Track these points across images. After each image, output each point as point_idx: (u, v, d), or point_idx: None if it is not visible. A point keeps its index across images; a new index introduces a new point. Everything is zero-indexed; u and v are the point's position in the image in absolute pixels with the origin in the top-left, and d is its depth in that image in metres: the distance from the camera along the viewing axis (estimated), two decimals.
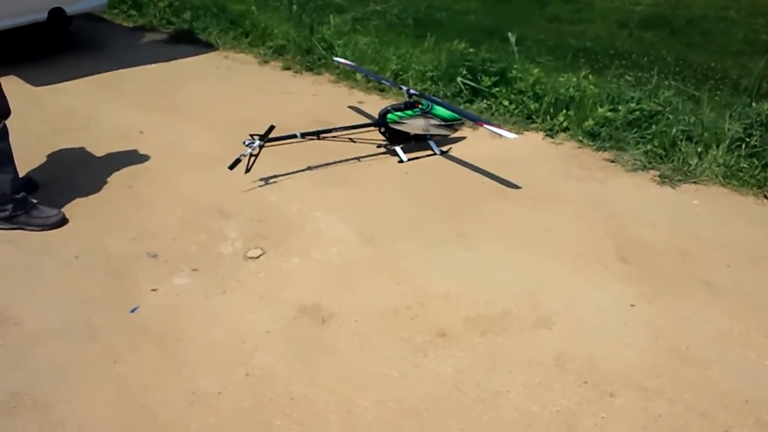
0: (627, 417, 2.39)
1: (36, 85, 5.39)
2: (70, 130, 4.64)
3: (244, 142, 3.82)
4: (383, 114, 4.17)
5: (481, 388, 2.53)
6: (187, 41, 6.47)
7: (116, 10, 7.24)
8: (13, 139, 4.43)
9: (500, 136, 3.84)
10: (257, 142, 3.79)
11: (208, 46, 6.31)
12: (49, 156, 4.29)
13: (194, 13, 6.88)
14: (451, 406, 2.46)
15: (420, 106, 4.19)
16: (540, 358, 2.65)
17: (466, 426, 2.38)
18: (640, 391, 2.49)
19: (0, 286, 3.16)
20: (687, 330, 2.78)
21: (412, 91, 4.30)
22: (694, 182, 3.88)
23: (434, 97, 4.44)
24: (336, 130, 4.13)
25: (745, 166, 3.87)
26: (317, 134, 4.06)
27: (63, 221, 3.62)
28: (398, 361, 2.67)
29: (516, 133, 4.39)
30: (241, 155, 3.79)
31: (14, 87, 5.41)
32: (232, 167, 3.79)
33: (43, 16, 5.66)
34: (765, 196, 3.71)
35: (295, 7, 6.92)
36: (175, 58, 6.00)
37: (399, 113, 4.15)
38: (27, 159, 4.24)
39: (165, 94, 5.24)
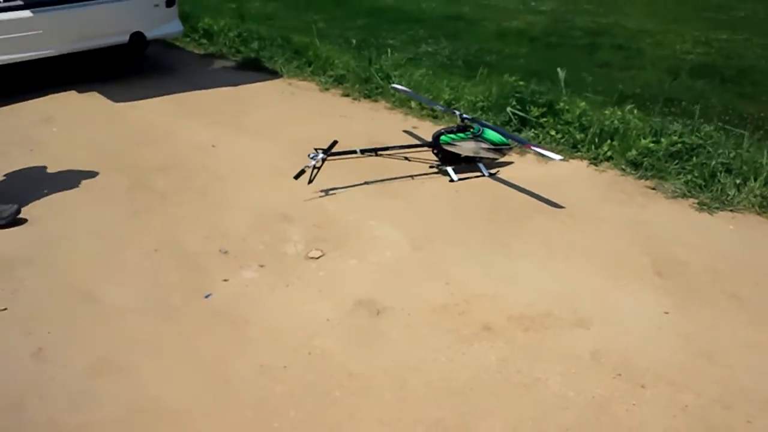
0: (656, 406, 2.61)
1: (116, 101, 5.86)
2: (149, 141, 5.07)
3: (308, 155, 4.17)
4: (437, 136, 4.49)
5: (522, 374, 2.78)
6: (254, 68, 6.92)
7: (188, 39, 7.77)
8: (95, 148, 4.91)
9: (547, 158, 4.12)
10: (321, 155, 4.14)
11: (273, 74, 6.75)
12: (130, 163, 4.70)
13: (261, 42, 7.36)
14: (493, 388, 2.71)
15: (471, 130, 4.50)
16: (577, 352, 2.89)
17: (506, 405, 2.62)
18: (670, 385, 2.70)
19: (84, 271, 3.54)
20: (715, 336, 2.99)
21: (464, 116, 4.61)
22: (731, 210, 4.08)
23: (485, 122, 4.75)
24: (393, 148, 4.46)
25: None
26: (375, 151, 4.40)
27: (17, 212, 3.91)
28: (446, 349, 2.93)
29: (561, 160, 4.66)
30: (305, 166, 4.14)
31: (96, 102, 5.92)
32: (297, 177, 4.13)
33: (124, 39, 6.17)
34: None
35: (354, 41, 7.36)
36: (243, 83, 6.45)
37: (452, 135, 4.46)
38: (111, 164, 4.67)
39: (234, 113, 5.65)
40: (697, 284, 3.37)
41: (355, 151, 4.32)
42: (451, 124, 4.79)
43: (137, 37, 6.21)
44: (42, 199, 4.22)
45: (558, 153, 4.69)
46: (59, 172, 4.55)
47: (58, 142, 5.12)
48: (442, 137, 4.45)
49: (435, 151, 4.54)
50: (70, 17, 5.81)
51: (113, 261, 3.63)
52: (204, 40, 7.80)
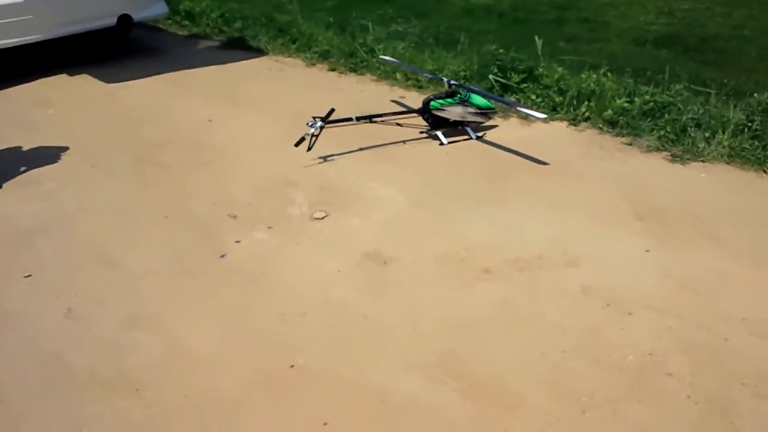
0: (643, 329, 2.91)
1: (108, 82, 6.02)
2: (146, 119, 5.25)
3: (307, 123, 4.40)
4: (426, 102, 4.74)
5: (521, 309, 3.06)
6: (240, 47, 7.10)
7: (170, 21, 7.90)
8: (95, 127, 5.08)
9: (532, 117, 4.41)
10: (319, 123, 4.37)
11: (259, 52, 6.93)
12: (131, 139, 4.89)
13: (244, 22, 7.54)
14: (497, 322, 3.00)
15: (459, 95, 4.76)
16: (569, 288, 3.18)
17: (510, 335, 2.91)
18: (654, 311, 3.00)
19: (101, 239, 3.74)
20: (694, 270, 3.30)
21: (452, 81, 4.87)
22: (702, 161, 4.40)
23: (471, 87, 5.01)
24: (386, 115, 4.72)
25: (747, 147, 4.37)
26: (370, 118, 4.64)
27: None
28: (451, 291, 3.21)
29: (543, 122, 4.95)
30: (305, 134, 4.36)
31: (88, 84, 6.07)
32: (297, 144, 4.36)
33: (112, 21, 6.32)
34: (765, 171, 4.21)
35: (331, 19, 7.56)
36: (230, 61, 6.63)
37: (440, 101, 4.71)
38: (113, 142, 4.85)
39: (226, 89, 5.85)
40: (674, 225, 3.68)
41: (351, 119, 4.56)
42: (439, 91, 5.03)
43: (125, 19, 6.34)
44: (51, 175, 4.40)
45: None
46: (63, 150, 4.72)
47: (56, 123, 5.27)
48: (432, 103, 4.70)
49: (425, 117, 4.80)
50: (61, 2, 5.93)
51: (128, 229, 3.84)
52: (186, 22, 7.94)
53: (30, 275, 3.42)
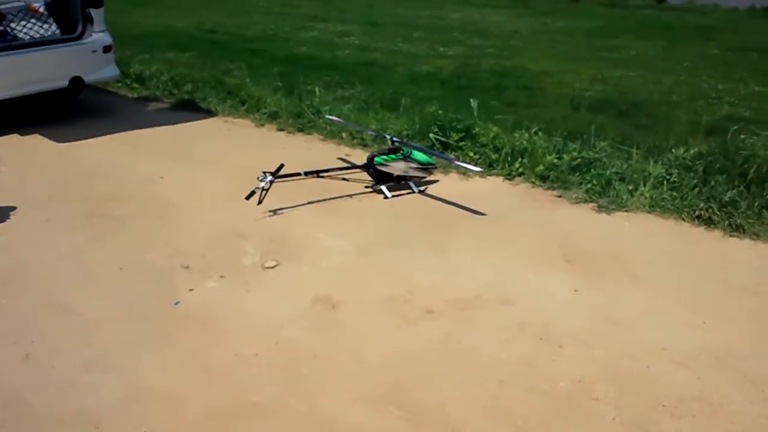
0: (573, 360, 3.17)
1: (60, 141, 6.15)
2: (99, 176, 5.39)
3: (257, 178, 4.62)
4: (371, 158, 5.03)
5: (461, 344, 3.30)
6: (189, 109, 7.31)
7: (119, 83, 8.06)
8: (48, 184, 5.20)
9: (469, 171, 4.73)
10: (269, 178, 4.59)
11: (209, 113, 7.16)
12: (84, 195, 5.01)
13: (194, 85, 7.78)
14: (439, 356, 3.22)
15: (401, 151, 5.06)
16: (505, 324, 3.44)
17: (451, 367, 3.13)
18: (583, 344, 3.27)
19: (57, 289, 3.83)
20: (619, 306, 3.61)
21: (395, 139, 5.18)
22: (626, 210, 4.76)
23: (413, 143, 5.33)
24: (333, 170, 4.99)
25: (667, 197, 4.76)
26: (317, 173, 4.90)
27: None
28: (396, 329, 3.43)
29: (480, 177, 5.29)
30: (255, 188, 4.58)
31: (40, 143, 6.19)
32: (248, 197, 4.57)
33: (64, 83, 6.48)
34: (683, 219, 4.58)
35: (279, 83, 7.89)
36: (181, 122, 6.83)
37: (384, 157, 5.01)
38: (66, 197, 4.98)
39: (177, 148, 6.04)
40: (600, 267, 4.00)
41: (299, 174, 4.81)
42: (382, 148, 5.32)
43: (76, 81, 6.51)
44: (5, 230, 4.48)
45: (475, 172, 5.32)
46: (16, 206, 4.81)
47: (8, 180, 5.36)
48: (376, 158, 4.99)
49: (370, 172, 5.07)
50: (13, 63, 6.08)
51: (83, 279, 3.95)
52: (136, 84, 8.13)
53: None
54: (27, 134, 6.33)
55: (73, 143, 6.13)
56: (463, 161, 5.10)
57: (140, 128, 6.59)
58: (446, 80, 10.17)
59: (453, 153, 5.72)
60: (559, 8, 24.98)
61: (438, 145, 5.79)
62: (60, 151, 5.97)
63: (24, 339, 3.37)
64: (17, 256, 4.17)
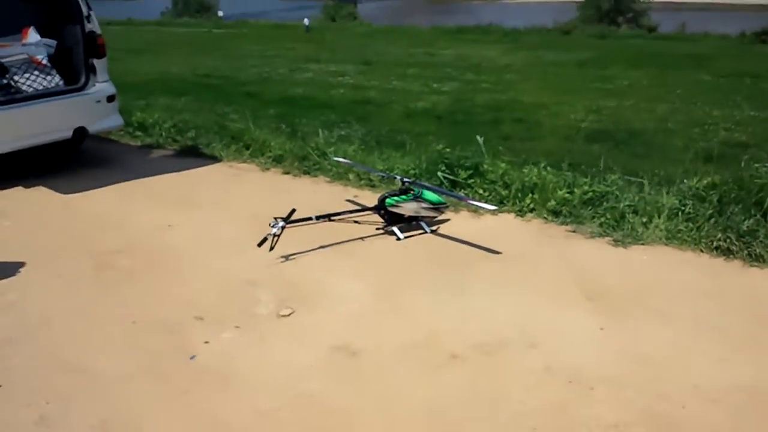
0: (606, 403, 3.08)
1: (64, 193, 6.09)
2: (105, 227, 5.32)
3: (269, 224, 4.55)
4: (382, 199, 4.98)
5: (490, 390, 3.21)
6: (194, 155, 7.28)
7: (122, 132, 8.04)
8: (54, 237, 5.14)
9: (482, 209, 4.68)
10: (281, 223, 4.53)
11: (213, 158, 7.13)
12: (91, 247, 4.93)
13: (197, 131, 7.76)
14: (468, 404, 3.12)
15: (412, 192, 5.01)
16: (533, 368, 3.35)
17: (483, 416, 3.04)
18: (614, 385, 3.19)
19: (69, 346, 3.74)
20: (645, 344, 3.52)
21: (405, 179, 5.13)
22: (642, 244, 4.70)
23: (423, 183, 5.28)
24: (344, 213, 4.93)
25: (683, 228, 4.71)
26: (329, 217, 4.84)
27: None
28: (421, 377, 3.33)
29: (492, 214, 5.24)
30: (267, 234, 4.51)
31: (44, 195, 6.13)
32: (260, 244, 4.50)
33: (68, 134, 6.45)
34: (701, 251, 4.53)
35: (283, 125, 7.91)
36: (186, 169, 6.79)
37: (395, 198, 4.95)
38: (72, 250, 4.90)
39: (183, 196, 5.98)
40: (623, 304, 3.92)
41: (311, 218, 4.75)
42: (392, 188, 5.28)
43: (80, 131, 6.49)
44: (12, 286, 4.39)
45: (485, 209, 5.27)
46: (23, 261, 4.73)
47: (13, 235, 5.28)
48: (387, 200, 4.94)
49: (381, 213, 5.01)
50: (17, 116, 6.06)
51: (95, 335, 3.86)
52: (139, 132, 8.11)
53: (0, 385, 3.40)
54: (30, 186, 6.27)
55: (77, 194, 6.07)
56: (475, 199, 5.06)
57: (145, 177, 6.54)
58: (442, 116, 10.26)
59: (462, 191, 5.67)
60: (549, 41, 25.40)
61: (446, 184, 5.74)
62: (64, 203, 5.91)
63: (37, 400, 3.28)
64: (26, 314, 4.08)
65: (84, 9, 6.54)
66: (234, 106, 10.26)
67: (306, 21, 31.06)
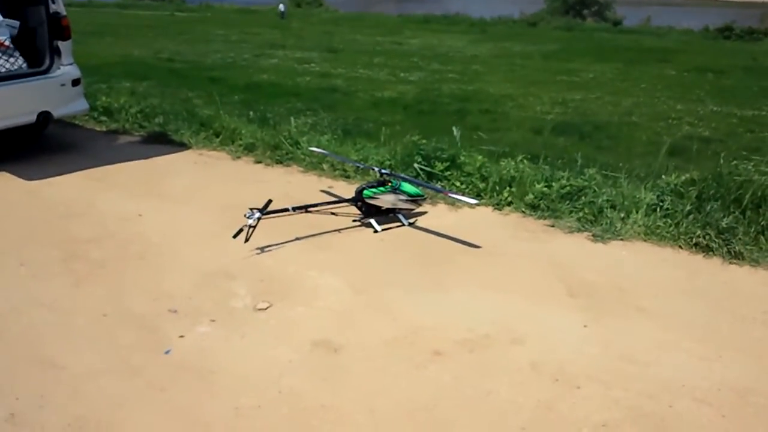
0: (593, 401, 3.05)
1: (29, 179, 5.87)
2: (73, 215, 5.14)
3: (245, 215, 4.43)
4: (360, 191, 4.89)
5: (476, 388, 3.15)
6: (162, 142, 7.08)
7: (86, 117, 7.81)
8: (20, 225, 4.94)
9: (463, 202, 4.63)
10: (257, 214, 4.41)
11: (182, 145, 6.95)
12: (59, 236, 4.76)
13: (165, 117, 7.56)
14: (453, 402, 3.07)
15: (390, 184, 4.93)
16: (518, 365, 3.31)
17: (468, 414, 2.98)
18: (600, 384, 3.16)
19: (39, 341, 3.59)
20: (630, 341, 3.50)
21: (383, 171, 5.05)
22: (621, 239, 4.70)
23: (401, 175, 5.21)
24: (321, 204, 4.83)
25: (661, 225, 4.71)
26: (305, 208, 4.73)
27: None
28: (405, 374, 3.27)
29: (469, 207, 5.20)
30: (243, 226, 4.39)
31: (9, 182, 5.90)
32: (236, 236, 4.38)
33: (32, 118, 6.22)
34: (680, 247, 4.54)
35: (251, 113, 7.75)
36: (153, 156, 6.60)
37: (373, 189, 4.87)
38: (39, 239, 4.72)
39: (153, 184, 5.81)
40: (605, 301, 3.91)
41: (287, 209, 4.64)
42: (369, 180, 5.19)
43: (44, 116, 6.26)
44: None
45: (463, 202, 5.22)
46: None
47: None
48: (365, 191, 4.85)
49: (358, 205, 4.93)
50: None
51: (66, 329, 3.70)
52: (104, 117, 7.87)
53: None
54: None
55: (42, 181, 5.86)
56: (455, 192, 5.00)
57: (112, 163, 6.35)
58: (409, 105, 10.22)
59: (439, 183, 5.61)
60: (516, 32, 25.50)
61: (423, 175, 5.68)
62: (29, 190, 5.69)
63: (7, 396, 3.13)
64: None
65: None
66: (198, 91, 10.10)
67: (281, 7, 30.47)
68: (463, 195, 4.90)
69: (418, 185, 5.02)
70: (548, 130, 8.32)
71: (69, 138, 7.29)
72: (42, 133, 6.92)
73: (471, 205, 5.12)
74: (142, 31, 21.39)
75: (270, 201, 4.46)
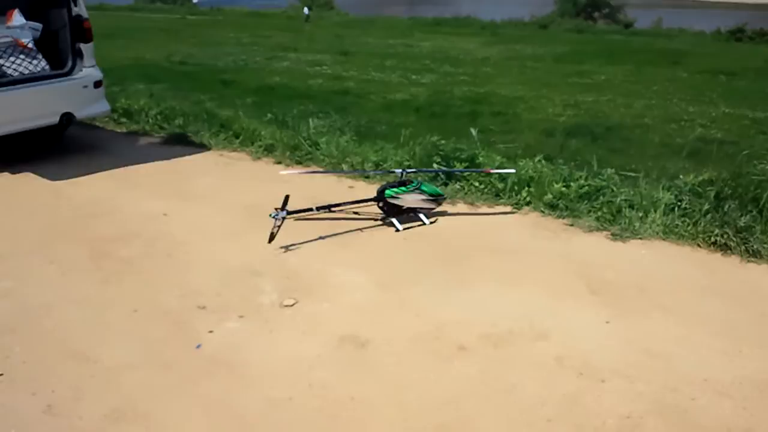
0: (617, 395, 3.12)
1: (53, 180, 5.98)
2: (98, 214, 5.24)
3: (270, 215, 4.52)
4: (381, 190, 4.97)
5: (501, 382, 3.22)
6: (182, 143, 7.19)
7: (106, 118, 7.92)
8: (47, 224, 5.05)
9: (504, 173, 5.30)
10: (282, 213, 4.50)
11: (202, 147, 7.05)
12: (86, 235, 4.86)
13: (185, 119, 7.67)
14: (480, 395, 3.14)
15: (411, 183, 5.02)
16: (543, 360, 3.38)
17: (495, 407, 3.05)
18: (624, 378, 3.23)
19: (71, 335, 3.69)
20: (652, 337, 3.57)
21: (406, 170, 5.14)
22: (640, 238, 4.76)
23: (427, 170, 5.34)
24: (344, 204, 4.92)
25: (679, 224, 4.77)
26: (329, 207, 4.83)
27: None
28: (431, 368, 3.34)
29: (488, 206, 5.29)
30: (274, 227, 4.49)
31: (33, 182, 6.01)
32: (270, 240, 4.48)
33: (55, 119, 6.33)
34: (699, 245, 4.59)
35: (269, 114, 7.84)
36: (175, 157, 6.70)
37: (395, 189, 4.95)
38: (66, 237, 4.82)
39: (176, 184, 5.91)
40: (626, 298, 3.97)
41: (311, 209, 4.73)
42: (386, 181, 5.28)
43: (67, 117, 6.37)
44: (8, 273, 4.30)
45: (483, 201, 5.32)
46: (16, 248, 4.65)
47: (4, 221, 5.18)
48: (387, 191, 4.93)
49: (380, 205, 5.01)
50: (3, 101, 5.92)
51: (97, 324, 3.80)
52: (124, 119, 7.99)
53: (2, 374, 3.33)
54: (17, 172, 6.15)
55: (66, 181, 5.97)
56: (493, 169, 5.46)
57: (135, 164, 6.45)
58: (420, 107, 10.28)
59: (458, 183, 5.68)
60: (527, 35, 25.51)
61: (442, 175, 5.75)
62: (54, 190, 5.80)
63: (43, 389, 3.23)
64: (24, 301, 4.00)
65: None
66: (210, 93, 10.19)
67: (306, 10, 30.66)
68: (499, 169, 5.30)
69: (452, 175, 5.40)
70: (561, 132, 8.38)
71: (90, 139, 7.41)
72: (63, 135, 7.04)
73: (489, 204, 5.24)
74: (155, 34, 21.56)
75: (288, 197, 4.55)
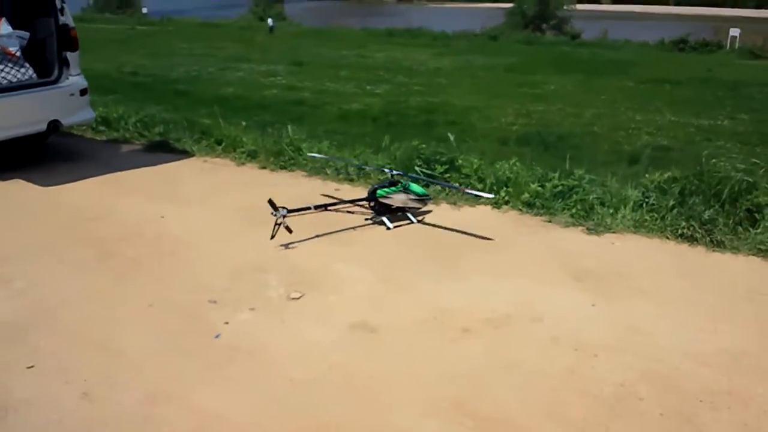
0: (610, 366, 3.47)
1: (44, 186, 6.10)
2: (97, 218, 5.40)
3: (271, 213, 4.77)
4: (373, 191, 5.27)
5: (506, 357, 3.55)
6: (165, 150, 7.36)
7: (84, 127, 8.02)
8: (48, 228, 5.19)
9: (480, 197, 5.32)
10: (283, 212, 4.75)
11: (185, 153, 7.23)
12: (88, 237, 5.02)
13: (165, 126, 7.83)
14: (488, 369, 3.46)
15: (400, 184, 5.33)
16: (540, 338, 3.72)
17: (502, 379, 3.38)
18: (614, 351, 3.59)
19: (92, 329, 3.87)
20: (635, 316, 3.95)
21: (394, 172, 5.45)
22: (613, 232, 5.15)
23: (413, 175, 5.62)
24: (341, 203, 5.21)
25: (648, 218, 5.19)
26: (325, 207, 5.11)
27: None
28: (440, 348, 3.65)
29: (469, 206, 5.63)
30: (276, 223, 4.75)
31: (24, 188, 6.13)
32: (273, 236, 4.73)
33: (43, 127, 6.45)
34: (667, 238, 5.00)
35: (243, 123, 8.03)
36: (160, 163, 6.88)
37: (386, 189, 5.26)
38: (70, 240, 4.98)
39: (166, 189, 6.10)
40: (607, 284, 4.35)
41: (309, 207, 5.01)
42: (370, 184, 5.58)
43: (54, 125, 6.49)
44: (19, 274, 4.44)
45: (464, 201, 5.66)
46: (23, 251, 4.79)
47: (5, 225, 5.29)
48: (378, 191, 5.24)
49: (372, 204, 5.31)
50: None
51: (115, 318, 3.99)
52: (102, 127, 8.10)
53: (32, 366, 3.50)
54: (7, 179, 6.24)
55: (58, 187, 6.10)
56: (472, 189, 5.54)
57: (122, 170, 6.61)
58: (376, 117, 10.57)
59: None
60: (477, 46, 26.17)
61: (423, 178, 6.06)
62: (47, 196, 5.93)
63: (75, 378, 3.40)
64: (41, 300, 4.16)
65: (57, 1, 6.56)
66: (165, 104, 10.23)
67: (270, 21, 30.99)
68: (478, 191, 5.40)
69: (433, 184, 5.46)
70: (514, 140, 8.72)
71: (73, 147, 7.52)
72: (45, 143, 7.13)
73: (479, 202, 5.57)
74: (104, 45, 21.35)
75: (270, 200, 4.77)
